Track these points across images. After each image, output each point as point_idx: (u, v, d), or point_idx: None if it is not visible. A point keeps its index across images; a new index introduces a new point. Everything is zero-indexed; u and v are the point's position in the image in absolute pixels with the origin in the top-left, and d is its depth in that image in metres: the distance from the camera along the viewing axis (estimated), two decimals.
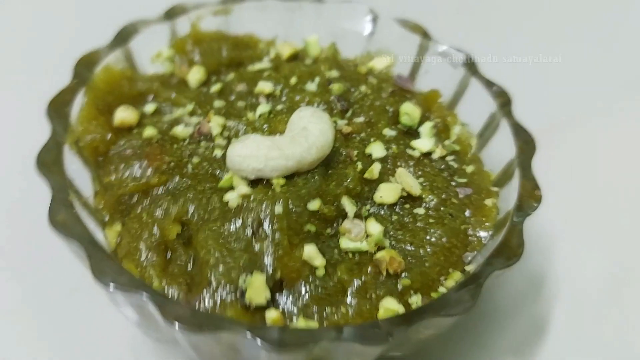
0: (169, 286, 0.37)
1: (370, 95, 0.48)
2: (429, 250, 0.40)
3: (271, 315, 0.35)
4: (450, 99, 0.50)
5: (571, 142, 0.62)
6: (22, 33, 0.69)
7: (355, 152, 0.43)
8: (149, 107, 0.46)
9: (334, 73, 0.50)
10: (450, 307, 0.34)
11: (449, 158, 0.45)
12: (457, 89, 0.50)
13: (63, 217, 0.36)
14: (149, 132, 0.43)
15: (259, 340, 0.31)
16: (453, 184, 0.44)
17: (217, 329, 0.32)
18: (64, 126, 0.41)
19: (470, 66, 0.49)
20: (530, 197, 0.40)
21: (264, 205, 0.39)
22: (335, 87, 0.47)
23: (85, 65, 0.45)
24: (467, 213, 0.42)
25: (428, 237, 0.40)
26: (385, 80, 0.50)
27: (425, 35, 0.51)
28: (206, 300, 0.36)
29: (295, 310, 0.37)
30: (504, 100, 0.46)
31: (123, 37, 0.48)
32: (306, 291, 0.37)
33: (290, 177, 0.41)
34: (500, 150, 0.45)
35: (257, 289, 0.36)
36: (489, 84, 0.47)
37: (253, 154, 0.40)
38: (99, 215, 0.41)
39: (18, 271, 0.48)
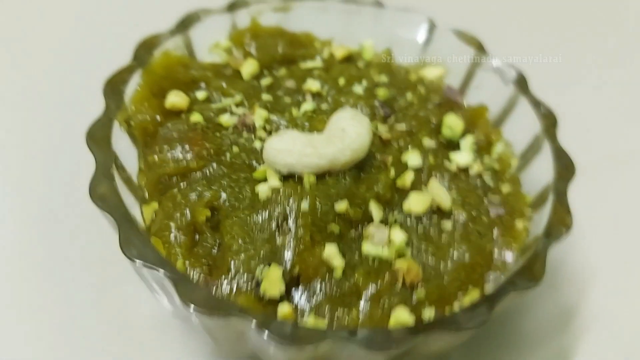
0: (191, 267, 0.38)
1: (416, 104, 0.48)
2: (450, 265, 0.39)
3: (283, 309, 0.36)
4: (498, 115, 0.49)
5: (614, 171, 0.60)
6: (91, 14, 0.72)
7: (391, 159, 0.43)
8: (200, 94, 0.47)
9: (383, 78, 0.49)
10: (461, 323, 0.34)
11: (486, 175, 0.44)
12: (506, 106, 0.48)
13: (103, 189, 0.38)
14: (195, 117, 0.44)
15: (265, 333, 0.32)
16: (486, 201, 0.43)
17: (228, 315, 0.33)
18: (118, 104, 0.43)
19: (521, 84, 0.47)
20: (560, 223, 0.39)
21: (291, 200, 0.39)
22: (381, 93, 0.47)
23: (145, 48, 0.47)
24: (495, 233, 0.41)
25: (451, 252, 0.40)
26: (434, 91, 0.49)
27: (480, 48, 0.50)
28: (224, 286, 0.37)
29: (308, 308, 0.37)
30: (549, 122, 0.45)
31: (185, 24, 0.50)
32: (321, 290, 0.37)
33: (322, 175, 0.41)
34: (541, 173, 0.44)
35: (272, 281, 0.36)
36: (537, 104, 0.46)
37: (288, 149, 0.40)
38: (140, 192, 0.43)
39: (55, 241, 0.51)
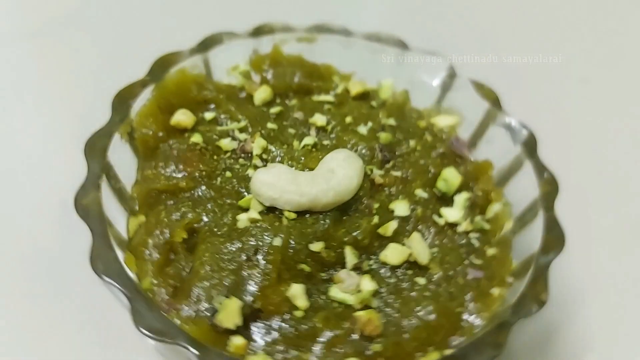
0: (158, 287, 0.38)
1: (419, 151, 0.47)
2: (413, 322, 0.38)
3: (236, 341, 0.36)
4: (503, 174, 0.47)
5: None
6: (112, 26, 0.74)
7: (377, 205, 0.42)
8: (208, 115, 0.48)
9: (391, 121, 0.49)
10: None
11: (473, 235, 0.43)
12: (511, 166, 0.47)
13: (88, 199, 0.39)
14: (196, 138, 0.45)
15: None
16: (467, 262, 0.41)
17: (174, 343, 0.33)
18: (122, 116, 0.44)
19: (530, 146, 0.46)
20: (534, 299, 0.37)
21: (265, 234, 0.39)
22: (383, 136, 0.46)
23: (162, 65, 0.48)
24: (468, 297, 0.40)
25: (417, 310, 0.38)
26: (440, 140, 0.48)
27: (496, 102, 0.49)
28: (183, 310, 0.37)
29: (262, 344, 0.37)
30: (549, 190, 0.43)
31: (206, 44, 0.51)
32: (279, 328, 0.37)
33: (303, 213, 0.41)
34: (532, 241, 0.42)
35: (229, 313, 0.36)
36: (541, 169, 0.44)
37: (272, 183, 0.40)
38: (132, 204, 0.44)
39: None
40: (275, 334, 0.37)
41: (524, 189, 0.46)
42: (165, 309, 0.37)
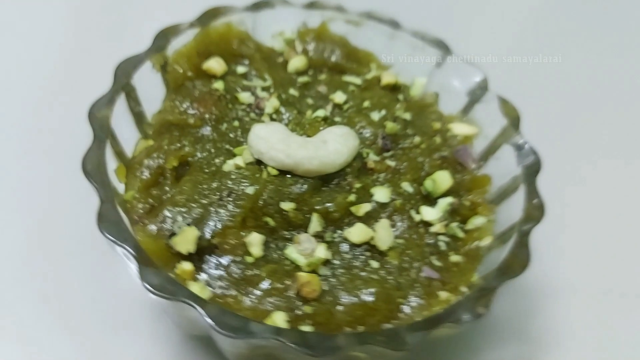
0: (138, 201, 0.42)
1: (421, 149, 0.47)
2: (352, 299, 0.39)
3: (184, 266, 0.39)
4: (500, 192, 0.47)
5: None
6: None
7: (359, 185, 0.43)
8: (240, 69, 0.51)
9: (406, 115, 0.49)
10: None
11: (443, 238, 0.43)
12: (508, 187, 0.46)
13: (102, 111, 0.43)
14: (219, 85, 0.48)
15: (135, 267, 0.35)
16: (426, 261, 0.41)
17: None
18: (159, 49, 0.48)
19: (530, 171, 0.45)
20: (470, 310, 0.37)
21: (243, 181, 0.42)
22: (390, 126, 0.47)
23: (211, 14, 0.52)
24: (415, 291, 0.40)
25: (360, 288, 0.39)
26: (448, 145, 0.48)
27: (515, 121, 0.48)
28: (150, 226, 0.40)
29: (206, 276, 0.39)
30: (532, 216, 0.42)
31: (258, 6, 0.54)
32: (227, 266, 0.39)
33: (285, 172, 0.43)
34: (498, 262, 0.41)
35: (185, 239, 0.39)
36: (532, 195, 0.43)
37: (265, 137, 0.43)
38: (147, 129, 0.48)
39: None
40: (221, 271, 0.39)
41: (513, 210, 0.45)
42: (135, 221, 0.41)
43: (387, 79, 0.53)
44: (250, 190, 0.41)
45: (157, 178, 0.43)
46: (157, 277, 0.35)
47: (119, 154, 0.44)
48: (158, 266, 0.36)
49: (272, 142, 0.42)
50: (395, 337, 0.34)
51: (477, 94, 0.51)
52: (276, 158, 0.42)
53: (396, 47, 0.55)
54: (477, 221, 0.45)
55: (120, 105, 0.45)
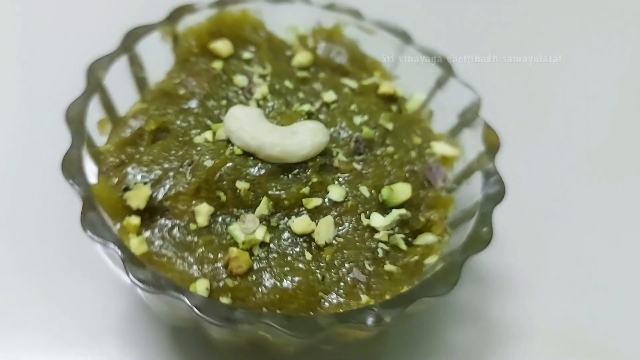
0: (110, 154, 0.45)
1: (392, 159, 0.48)
2: (275, 283, 0.40)
3: (132, 220, 0.41)
4: (461, 216, 0.46)
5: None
6: None
7: (316, 180, 0.44)
8: (246, 55, 0.53)
9: (389, 125, 0.50)
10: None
11: (384, 246, 0.43)
12: (469, 212, 0.46)
13: (100, 68, 0.47)
14: (217, 65, 0.51)
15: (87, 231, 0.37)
16: (359, 264, 0.42)
17: (77, 184, 0.39)
18: (171, 23, 0.51)
19: (489, 202, 0.44)
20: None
21: (206, 154, 0.44)
22: (365, 131, 0.48)
23: (227, 1, 0.54)
24: (337, 289, 0.41)
25: (286, 275, 0.40)
26: (421, 161, 0.48)
27: (491, 149, 0.47)
28: (112, 178, 0.43)
29: (148, 234, 0.42)
30: (473, 246, 0.41)
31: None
32: (170, 230, 0.42)
33: (249, 154, 0.44)
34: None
35: (137, 195, 0.42)
36: (482, 224, 0.43)
37: (238, 118, 0.45)
38: (147, 94, 0.51)
39: None
40: (164, 233, 0.42)
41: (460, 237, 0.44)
42: (102, 171, 0.44)
43: (385, 88, 0.53)
44: (209, 163, 0.43)
45: (135, 138, 0.46)
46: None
47: (109, 108, 0.47)
48: (103, 214, 0.39)
49: (243, 123, 0.44)
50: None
51: (468, 117, 0.51)
52: (242, 138, 0.44)
53: (403, 60, 0.56)
54: (427, 238, 0.44)
55: (121, 66, 0.48)
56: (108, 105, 0.47)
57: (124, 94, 0.49)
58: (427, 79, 0.54)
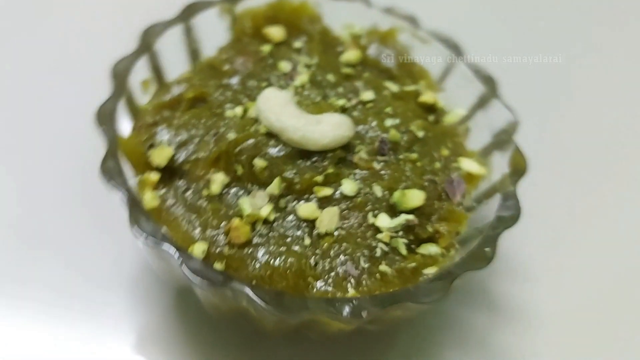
0: (147, 113, 0.47)
1: (414, 166, 0.47)
2: (268, 259, 0.41)
3: (151, 175, 0.44)
4: (470, 235, 0.45)
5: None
6: None
7: (331, 171, 0.45)
8: (297, 44, 0.55)
9: (420, 133, 0.49)
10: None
11: (383, 246, 0.43)
12: (478, 231, 0.45)
13: (153, 35, 0.49)
14: (266, 48, 0.53)
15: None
16: (354, 258, 0.42)
17: (104, 131, 0.42)
18: (230, 4, 0.54)
19: (499, 226, 0.43)
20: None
21: (232, 128, 0.45)
22: (392, 133, 0.48)
23: None
24: (326, 278, 0.41)
25: (280, 254, 0.41)
26: (444, 173, 0.48)
27: (515, 173, 0.46)
28: (141, 136, 0.46)
29: (164, 191, 0.44)
30: (473, 265, 0.41)
31: None
32: (184, 191, 0.44)
33: (273, 135, 0.46)
34: None
35: (160, 154, 0.44)
36: (487, 243, 0.42)
37: (269, 99, 0.46)
38: (198, 65, 0.53)
39: None
40: (179, 193, 0.44)
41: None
42: (136, 126, 0.46)
43: (426, 97, 0.53)
44: (232, 135, 0.45)
45: (174, 103, 0.49)
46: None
47: (156, 71, 0.50)
48: (121, 162, 0.41)
49: (272, 104, 0.46)
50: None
51: (501, 138, 0.50)
52: (268, 118, 0.45)
53: (451, 73, 0.55)
54: (431, 249, 0.44)
55: (175, 35, 0.51)
56: (156, 68, 0.50)
57: (176, 62, 0.52)
58: (471, 96, 0.54)
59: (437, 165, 0.48)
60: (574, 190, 0.63)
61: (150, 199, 0.42)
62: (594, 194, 0.63)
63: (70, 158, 0.57)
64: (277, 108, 0.45)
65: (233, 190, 0.44)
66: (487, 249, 0.41)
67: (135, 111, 0.47)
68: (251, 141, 0.45)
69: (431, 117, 0.53)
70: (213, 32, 0.54)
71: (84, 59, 0.65)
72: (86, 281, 0.50)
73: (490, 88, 0.52)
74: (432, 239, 0.45)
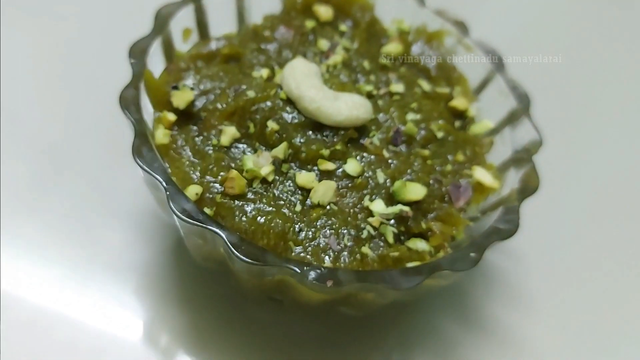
0: (182, 59, 0.49)
1: (423, 163, 0.46)
2: (256, 215, 0.41)
3: (168, 115, 0.45)
4: (464, 242, 0.44)
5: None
6: None
7: (339, 147, 0.45)
8: (343, 26, 0.55)
9: (440, 133, 0.49)
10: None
11: (371, 229, 0.42)
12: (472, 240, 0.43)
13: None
14: (310, 24, 0.53)
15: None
16: (341, 233, 0.42)
17: (135, 71, 0.44)
18: None
19: (491, 234, 0.42)
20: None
21: (252, 86, 0.46)
22: (409, 126, 0.47)
23: None
24: (307, 245, 0.41)
25: (269, 212, 0.41)
26: (453, 176, 0.47)
27: (524, 190, 0.45)
28: (170, 76, 0.47)
29: (175, 131, 0.45)
30: (454, 265, 0.39)
31: None
32: (195, 135, 0.45)
33: (291, 102, 0.46)
34: None
35: (181, 96, 0.45)
36: (475, 250, 0.40)
37: (295, 68, 0.47)
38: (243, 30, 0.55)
39: None
40: (190, 136, 0.45)
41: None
42: (168, 67, 0.48)
43: (457, 102, 0.52)
44: (251, 94, 0.45)
45: (209, 56, 0.50)
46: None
47: (200, 24, 0.51)
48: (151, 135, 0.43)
49: (296, 72, 0.46)
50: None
51: (521, 156, 0.48)
52: (288, 85, 0.46)
53: (488, 85, 0.54)
54: (419, 244, 0.43)
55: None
56: (201, 22, 0.51)
57: (223, 21, 0.54)
58: (503, 110, 0.52)
59: (449, 167, 0.47)
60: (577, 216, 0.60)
61: (162, 135, 0.43)
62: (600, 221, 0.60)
63: (102, 90, 0.58)
64: (300, 77, 0.46)
65: (241, 145, 0.45)
66: (472, 255, 0.40)
67: (171, 55, 0.49)
68: (269, 103, 0.45)
69: (458, 123, 0.52)
70: (263, 2, 0.55)
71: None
72: (92, 211, 0.52)
73: (523, 105, 0.51)
74: (423, 235, 0.44)
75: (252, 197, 0.42)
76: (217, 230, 0.36)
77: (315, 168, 0.44)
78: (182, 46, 0.51)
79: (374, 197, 0.44)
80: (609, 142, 0.68)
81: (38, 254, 0.49)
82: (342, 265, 0.41)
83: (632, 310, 0.53)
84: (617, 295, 0.54)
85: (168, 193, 0.38)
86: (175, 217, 0.38)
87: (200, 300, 0.49)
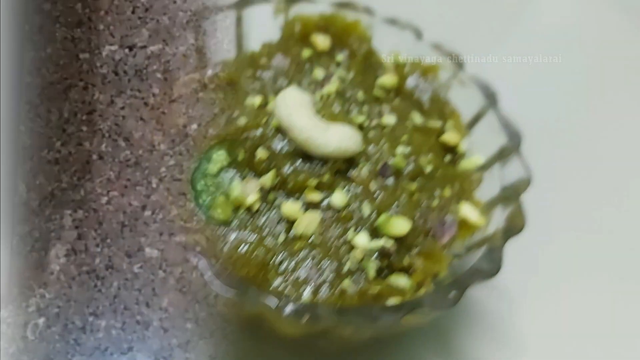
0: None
1: (409, 199, 0.46)
2: (235, 242, 0.41)
3: None
4: (445, 280, 0.44)
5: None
6: None
7: (327, 178, 0.45)
8: (339, 57, 0.55)
9: (428, 167, 0.49)
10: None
11: (353, 265, 0.42)
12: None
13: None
14: (306, 53, 0.54)
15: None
16: (321, 268, 0.41)
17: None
18: (289, 3, 0.55)
19: (472, 275, 0.41)
20: None
21: (243, 114, 0.47)
22: (397, 160, 0.47)
23: (346, 5, 0.57)
24: (286, 277, 0.41)
25: (252, 241, 0.41)
26: (438, 213, 0.46)
27: (509, 230, 0.44)
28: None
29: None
30: (431, 304, 0.39)
31: (393, 22, 0.58)
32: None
33: (281, 131, 0.46)
34: None
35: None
36: (454, 288, 0.40)
37: (288, 97, 0.47)
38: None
39: None
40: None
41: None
42: None
43: (448, 137, 0.52)
44: (242, 121, 0.46)
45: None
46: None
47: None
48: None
49: (289, 101, 0.46)
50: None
51: (509, 193, 0.48)
52: (280, 114, 0.46)
53: (480, 120, 0.54)
54: (400, 280, 0.43)
55: (227, 21, 0.53)
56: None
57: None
58: (493, 146, 0.52)
59: (435, 202, 0.47)
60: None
61: None
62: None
63: None
64: (292, 106, 0.46)
65: (229, 172, 0.45)
66: (452, 293, 0.39)
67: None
68: (259, 131, 0.45)
69: (448, 157, 0.52)
70: (263, 27, 0.55)
71: None
72: None
73: (513, 143, 0.51)
74: (406, 271, 0.43)
75: (236, 224, 0.42)
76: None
77: (302, 198, 0.44)
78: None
79: (358, 229, 0.44)
80: (599, 181, 0.67)
81: None
82: (320, 299, 0.40)
83: (619, 346, 0.52)
84: (603, 333, 0.53)
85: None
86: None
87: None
